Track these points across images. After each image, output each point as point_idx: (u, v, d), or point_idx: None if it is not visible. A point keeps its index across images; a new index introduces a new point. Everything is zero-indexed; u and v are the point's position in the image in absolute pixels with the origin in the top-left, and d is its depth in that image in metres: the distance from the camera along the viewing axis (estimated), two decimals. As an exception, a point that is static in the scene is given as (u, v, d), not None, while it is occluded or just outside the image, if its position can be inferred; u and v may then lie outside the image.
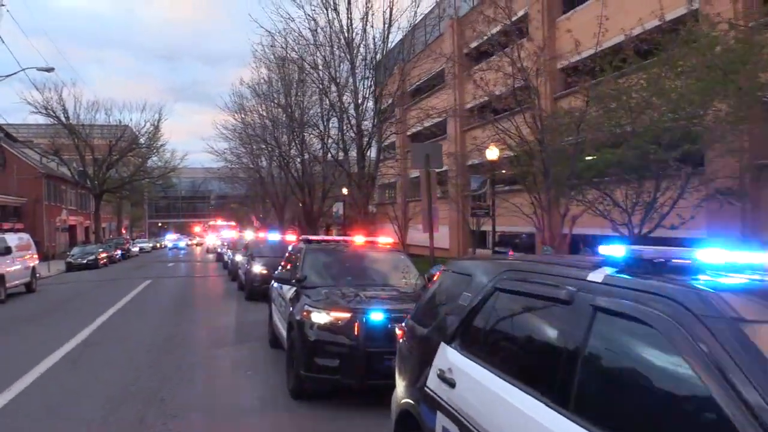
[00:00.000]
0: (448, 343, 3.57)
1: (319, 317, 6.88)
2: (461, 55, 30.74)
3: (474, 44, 12.24)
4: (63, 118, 48.89)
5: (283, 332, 8.30)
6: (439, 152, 11.71)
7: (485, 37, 10.78)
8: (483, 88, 8.32)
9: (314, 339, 6.80)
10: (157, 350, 9.84)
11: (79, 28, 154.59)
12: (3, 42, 25.95)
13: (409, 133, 36.78)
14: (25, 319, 14.30)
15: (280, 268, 10.58)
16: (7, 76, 27.08)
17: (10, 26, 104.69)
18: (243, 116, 35.23)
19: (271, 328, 10.13)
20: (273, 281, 10.20)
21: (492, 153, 18.57)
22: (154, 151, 56.91)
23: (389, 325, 6.73)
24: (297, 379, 7.00)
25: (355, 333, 6.66)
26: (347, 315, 6.78)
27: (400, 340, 4.55)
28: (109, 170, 52.50)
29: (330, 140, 21.69)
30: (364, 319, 6.69)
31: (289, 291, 8.32)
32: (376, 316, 6.79)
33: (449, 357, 3.47)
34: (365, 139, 18.14)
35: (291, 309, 7.63)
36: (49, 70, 27.52)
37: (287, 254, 10.51)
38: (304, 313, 7.04)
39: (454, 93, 31.11)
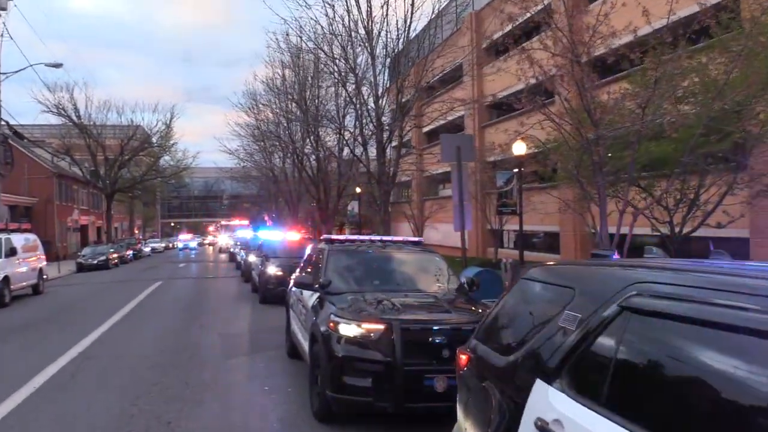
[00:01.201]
0: (549, 381, 2.57)
1: (348, 329, 5.90)
2: (480, 49, 29.75)
3: (508, 28, 11.19)
4: (74, 117, 48.38)
5: (304, 344, 7.34)
6: (471, 144, 10.71)
7: (522, 19, 9.71)
8: (538, 66, 7.33)
9: (342, 355, 5.82)
10: (164, 363, 8.89)
11: (95, 31, 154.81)
12: (11, 38, 25.21)
13: (425, 130, 35.86)
14: (26, 325, 13.45)
15: (298, 270, 9.62)
16: (16, 71, 26.41)
17: (23, 29, 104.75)
18: (256, 113, 34.32)
19: (289, 337, 9.19)
20: (291, 285, 9.25)
21: (519, 147, 17.54)
22: (166, 150, 56.23)
23: (429, 339, 5.77)
24: (323, 401, 6.03)
25: (391, 348, 5.68)
26: (381, 327, 5.80)
27: (464, 369, 3.55)
28: (121, 170, 51.90)
29: (347, 134, 20.63)
30: (400, 332, 5.71)
31: (310, 297, 7.35)
32: (415, 329, 5.81)
33: (554, 403, 2.47)
34: (385, 134, 17.10)
35: (314, 319, 6.66)
36: (58, 65, 26.84)
37: (307, 255, 9.55)
38: (331, 325, 6.06)
39: (473, 87, 30.14)
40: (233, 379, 8.06)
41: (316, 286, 7.13)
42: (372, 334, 5.80)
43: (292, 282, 9.69)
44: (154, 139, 54.08)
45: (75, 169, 51.18)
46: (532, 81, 8.87)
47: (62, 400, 7.03)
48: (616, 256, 3.12)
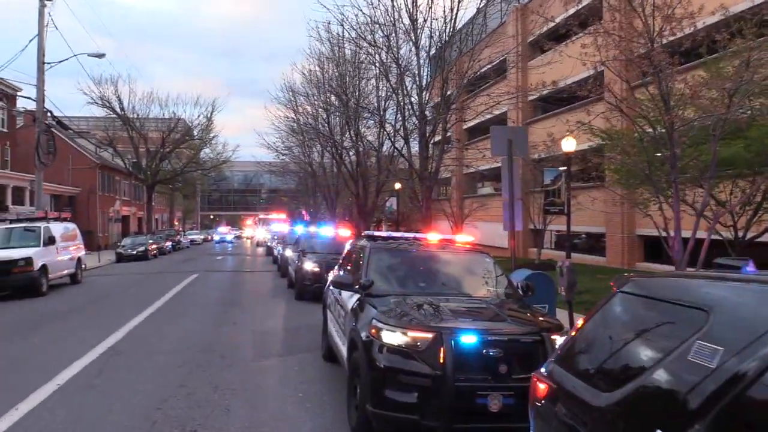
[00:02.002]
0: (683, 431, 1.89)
1: (392, 337, 5.27)
2: (524, 44, 28.76)
3: (572, 11, 10.35)
4: (118, 110, 49.00)
5: (343, 349, 6.73)
6: (524, 137, 9.94)
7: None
8: (614, 48, 6.53)
9: (385, 365, 5.19)
10: (193, 362, 8.42)
11: (141, 26, 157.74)
12: (56, 27, 25.31)
13: (465, 127, 34.97)
14: (60, 315, 13.24)
15: (336, 268, 9.02)
16: (60, 61, 26.54)
17: (71, 23, 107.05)
18: (295, 105, 33.92)
19: (325, 339, 8.60)
20: (329, 284, 8.67)
21: (568, 144, 16.64)
22: (207, 143, 56.55)
23: (484, 351, 5.10)
24: (362, 415, 5.41)
25: (440, 360, 5.03)
26: (429, 335, 5.16)
27: (542, 401, 2.88)
28: (162, 162, 52.39)
29: (389, 127, 19.93)
30: (452, 342, 5.06)
31: (350, 299, 6.74)
32: (468, 339, 5.14)
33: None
34: (429, 127, 16.35)
35: (354, 323, 6.04)
36: (101, 55, 26.90)
37: (346, 252, 8.95)
38: (372, 331, 5.44)
39: (518, 80, 29.15)
40: (265, 383, 7.52)
41: (357, 286, 6.52)
42: (419, 343, 5.16)
43: (329, 280, 9.13)
44: (195, 132, 54.42)
45: (117, 160, 51.91)
46: (599, 68, 8.05)
47: (84, 400, 6.59)
48: (751, 268, 2.39)
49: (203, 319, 12.51)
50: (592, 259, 26.85)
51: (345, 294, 6.99)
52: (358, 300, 6.39)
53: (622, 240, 24.58)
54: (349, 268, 7.96)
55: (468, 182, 41.57)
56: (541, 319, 5.90)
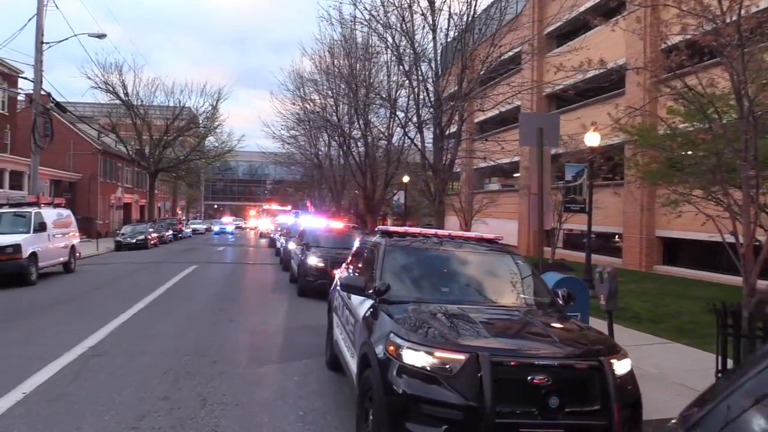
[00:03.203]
0: None
1: (416, 357, 4.29)
2: (541, 35, 27.63)
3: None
4: (122, 95, 48.02)
5: (351, 363, 5.77)
6: (556, 125, 8.89)
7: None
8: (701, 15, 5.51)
9: (406, 392, 4.21)
10: (180, 368, 7.46)
11: (149, 13, 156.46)
12: (56, 7, 24.31)
13: (477, 120, 33.89)
14: (43, 307, 12.32)
15: (344, 267, 8.03)
16: (59, 41, 25.58)
17: (75, 6, 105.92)
18: (302, 92, 32.82)
19: (330, 346, 7.65)
20: (336, 285, 7.69)
21: (592, 138, 15.61)
22: (211, 131, 55.47)
23: (529, 378, 4.12)
24: (376, 450, 4.45)
25: (476, 388, 4.06)
26: (462, 357, 4.18)
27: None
28: (166, 149, 51.41)
29: (401, 115, 18.83)
30: (490, 366, 4.08)
31: (361, 304, 5.75)
32: (510, 362, 4.17)
33: None
34: (444, 117, 15.27)
35: (367, 335, 5.06)
36: (101, 36, 25.93)
37: (356, 248, 7.96)
38: (390, 348, 4.46)
39: (532, 73, 28.03)
40: (260, 396, 6.55)
41: (371, 291, 5.53)
42: (448, 366, 4.18)
43: (336, 279, 8.16)
44: (200, 120, 53.40)
45: (120, 147, 50.95)
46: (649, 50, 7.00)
47: (50, 415, 5.63)
48: None
49: (197, 316, 11.56)
50: (605, 260, 25.84)
51: (355, 299, 6.01)
52: (371, 307, 5.41)
53: (640, 241, 23.56)
54: (359, 267, 6.96)
55: (477, 177, 40.54)
56: (593, 337, 4.91)
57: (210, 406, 6.02)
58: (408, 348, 4.33)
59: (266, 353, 8.56)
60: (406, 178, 31.61)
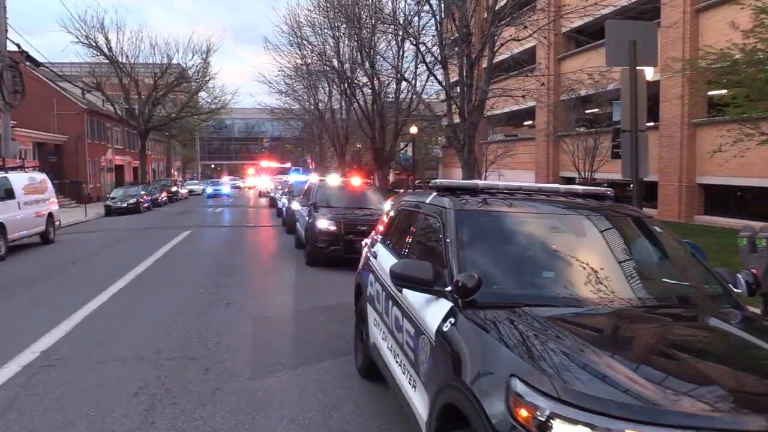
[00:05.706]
0: None
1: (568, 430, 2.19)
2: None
3: None
4: (106, 50, 45.01)
5: (414, 400, 3.65)
6: (653, 38, 6.63)
7: None
8: None
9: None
10: (158, 384, 5.38)
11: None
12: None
13: (485, 66, 31.29)
14: (1, 292, 10.24)
15: (379, 240, 5.82)
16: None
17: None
18: (300, 39, 30.01)
19: (363, 347, 5.57)
20: (367, 261, 5.53)
21: (648, 72, 13.26)
22: (203, 86, 52.37)
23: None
24: None
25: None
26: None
27: None
28: (156, 106, 48.62)
29: (416, 45, 16.00)
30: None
31: (427, 306, 3.57)
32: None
33: None
34: (474, 48, 12.77)
35: (452, 371, 2.93)
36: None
37: (391, 215, 5.76)
38: (521, 413, 2.34)
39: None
40: (267, 428, 4.50)
41: (449, 289, 3.37)
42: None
43: (366, 253, 6.02)
44: (190, 73, 50.35)
45: (108, 106, 48.13)
46: None
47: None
48: None
49: (187, 298, 9.44)
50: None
51: (413, 294, 3.83)
52: (450, 315, 3.26)
53: (679, 189, 21.35)
54: (408, 242, 4.72)
55: (490, 126, 38.10)
56: None
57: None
58: (564, 421, 2.20)
59: (275, 353, 6.49)
60: (413, 129, 29.25)
